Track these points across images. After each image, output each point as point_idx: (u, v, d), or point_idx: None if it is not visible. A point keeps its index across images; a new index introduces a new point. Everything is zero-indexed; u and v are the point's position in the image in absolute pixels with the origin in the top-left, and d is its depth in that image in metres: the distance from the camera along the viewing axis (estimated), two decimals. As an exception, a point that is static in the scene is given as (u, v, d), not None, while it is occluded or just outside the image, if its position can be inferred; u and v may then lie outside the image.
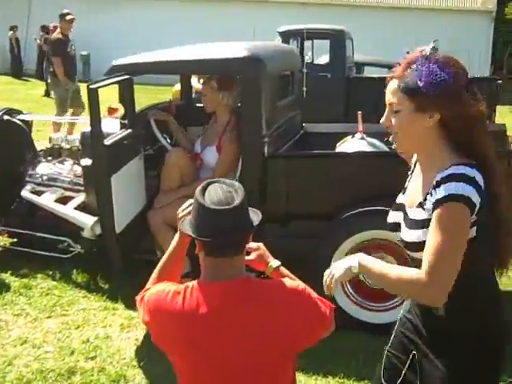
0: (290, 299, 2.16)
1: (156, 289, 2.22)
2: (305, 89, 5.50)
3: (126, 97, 4.53)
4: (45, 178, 5.26)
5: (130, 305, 4.48)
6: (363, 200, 4.29)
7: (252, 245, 2.39)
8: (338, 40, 10.49)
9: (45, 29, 17.13)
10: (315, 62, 11.59)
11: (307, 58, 11.88)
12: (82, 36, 17.44)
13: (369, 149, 4.87)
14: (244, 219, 2.14)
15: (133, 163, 4.40)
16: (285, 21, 12.47)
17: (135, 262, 4.57)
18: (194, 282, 2.17)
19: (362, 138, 4.98)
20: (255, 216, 2.24)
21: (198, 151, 4.75)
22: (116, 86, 4.52)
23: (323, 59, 11.35)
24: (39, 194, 5.20)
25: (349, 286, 4.31)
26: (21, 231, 5.20)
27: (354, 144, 4.95)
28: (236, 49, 4.53)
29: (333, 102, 10.27)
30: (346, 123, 5.46)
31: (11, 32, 20.61)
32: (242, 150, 4.45)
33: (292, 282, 2.25)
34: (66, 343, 4.01)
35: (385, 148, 5.00)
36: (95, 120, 3.97)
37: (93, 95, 3.91)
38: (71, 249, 4.96)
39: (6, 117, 5.37)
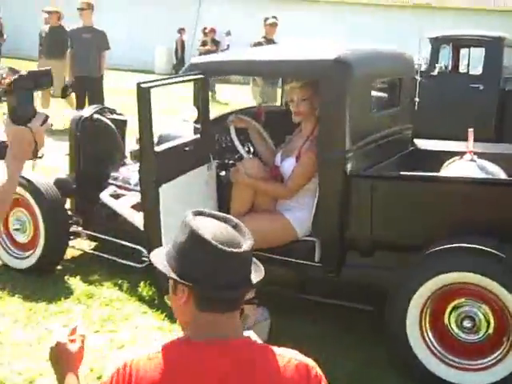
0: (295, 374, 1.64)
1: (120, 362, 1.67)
2: (417, 99, 4.77)
3: (200, 99, 4.13)
4: (126, 180, 5.00)
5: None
6: (461, 234, 3.56)
7: None
8: (493, 48, 9.43)
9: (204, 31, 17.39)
10: (471, 72, 10.59)
11: (462, 68, 10.94)
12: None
13: (478, 173, 4.09)
14: (251, 267, 1.67)
15: (196, 173, 3.98)
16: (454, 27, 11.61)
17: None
18: (176, 342, 1.67)
19: (472, 160, 4.21)
20: (257, 269, 1.73)
21: (277, 164, 4.24)
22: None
23: (479, 70, 10.33)
24: (119, 197, 4.96)
25: (431, 336, 3.59)
26: (98, 235, 4.99)
27: (460, 166, 4.20)
28: (321, 50, 3.97)
29: (483, 117, 9.25)
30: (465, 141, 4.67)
31: (178, 35, 21.18)
32: (319, 167, 3.88)
33: (304, 356, 1.71)
34: (100, 365, 3.66)
35: (500, 174, 4.20)
36: (145, 123, 3.58)
37: (144, 95, 3.54)
38: (143, 258, 4.64)
39: (96, 115, 5.18)
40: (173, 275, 1.65)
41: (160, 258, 1.71)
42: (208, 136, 4.12)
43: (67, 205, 5.23)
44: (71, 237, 5.05)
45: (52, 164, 7.44)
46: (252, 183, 4.05)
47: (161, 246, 3.75)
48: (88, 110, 5.31)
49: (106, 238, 4.89)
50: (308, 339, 4.00)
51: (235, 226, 1.67)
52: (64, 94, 10.04)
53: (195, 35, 22.20)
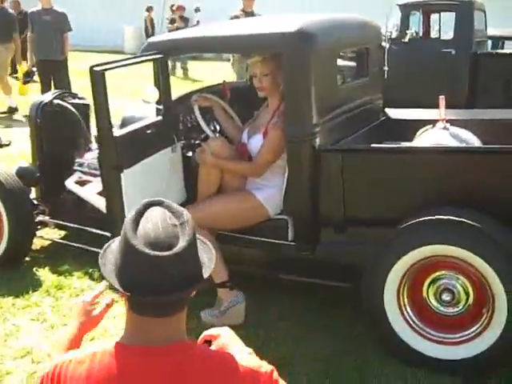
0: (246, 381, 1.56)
1: (51, 363, 1.61)
2: (386, 68, 4.63)
3: (161, 79, 3.96)
4: (92, 166, 4.83)
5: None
6: (436, 206, 3.45)
7: (212, 332, 1.76)
8: (464, 12, 9.30)
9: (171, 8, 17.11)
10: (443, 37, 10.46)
11: (434, 34, 10.81)
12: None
13: (451, 141, 3.99)
14: (190, 269, 1.52)
15: (160, 156, 3.83)
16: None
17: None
18: (108, 346, 1.56)
19: (445, 128, 4.11)
20: (207, 256, 1.61)
21: (244, 141, 4.10)
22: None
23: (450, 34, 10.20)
24: (85, 183, 4.80)
25: (409, 310, 3.50)
26: (66, 224, 4.83)
27: (433, 135, 4.10)
28: (283, 22, 3.82)
29: (456, 82, 9.16)
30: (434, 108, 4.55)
31: (147, 13, 20.80)
32: (287, 144, 3.74)
33: (256, 360, 1.62)
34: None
35: (473, 141, 4.10)
36: (101, 108, 3.43)
37: (98, 79, 3.37)
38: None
39: (56, 101, 5.00)
40: (111, 279, 1.54)
41: (108, 263, 1.59)
42: (171, 117, 3.97)
43: (33, 194, 5.07)
44: (39, 226, 4.90)
45: (19, 152, 7.27)
46: (218, 163, 3.91)
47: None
48: (48, 96, 5.12)
49: (74, 226, 4.74)
50: (285, 320, 3.91)
51: (182, 224, 1.53)
52: (25, 80, 9.77)
53: (163, 13, 21.85)
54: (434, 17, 10.65)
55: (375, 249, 3.49)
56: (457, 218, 3.26)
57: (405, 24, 9.71)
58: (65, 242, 4.89)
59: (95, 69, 3.36)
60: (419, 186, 3.57)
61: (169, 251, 1.46)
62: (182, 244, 1.49)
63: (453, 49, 9.32)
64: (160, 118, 3.93)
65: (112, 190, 3.47)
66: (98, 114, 3.43)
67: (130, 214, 1.56)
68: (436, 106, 4.39)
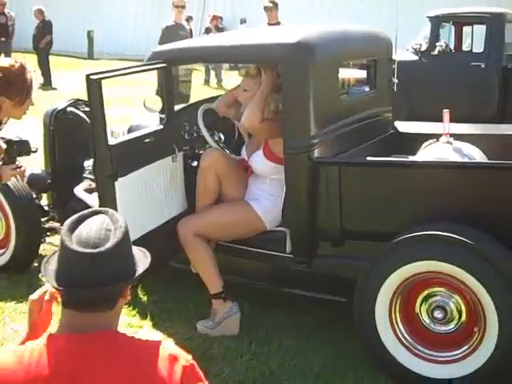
0: (166, 366, 1.62)
1: None
2: (396, 81, 4.57)
3: (164, 88, 3.99)
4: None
5: (160, 324, 3.98)
6: (430, 222, 3.39)
7: None
8: (495, 25, 9.16)
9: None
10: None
11: (466, 46, 10.66)
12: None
13: (453, 156, 3.92)
14: (115, 268, 1.63)
15: (159, 165, 3.84)
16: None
17: (182, 273, 4.08)
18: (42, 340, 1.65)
19: (448, 143, 4.04)
20: (142, 261, 1.74)
21: (245, 157, 4.09)
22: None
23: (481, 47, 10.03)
24: (94, 191, 4.85)
25: (401, 326, 3.44)
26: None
27: (435, 149, 4.03)
28: (284, 33, 3.81)
29: (486, 96, 9.04)
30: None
31: (185, 23, 20.95)
32: (285, 156, 3.72)
33: (178, 349, 1.71)
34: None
35: (477, 156, 4.02)
36: (96, 117, 3.46)
37: (94, 87, 3.40)
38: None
39: (70, 108, 5.07)
40: (49, 278, 1.66)
41: (51, 265, 1.71)
42: (172, 126, 3.98)
43: (44, 200, 5.14)
44: (48, 233, 4.96)
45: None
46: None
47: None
48: (62, 104, 5.19)
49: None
50: (281, 332, 3.88)
51: (115, 229, 1.64)
52: None
53: (202, 23, 22.03)
54: (466, 29, 10.51)
55: (367, 265, 3.44)
56: (444, 234, 3.20)
57: (434, 36, 9.61)
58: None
59: (92, 77, 3.38)
60: (416, 201, 3.52)
61: (95, 249, 1.58)
62: (108, 245, 1.59)
63: (483, 62, 9.19)
64: (161, 127, 3.95)
65: (106, 199, 3.49)
66: (92, 122, 3.46)
67: (71, 217, 1.67)
68: (465, 120, 4.27)
